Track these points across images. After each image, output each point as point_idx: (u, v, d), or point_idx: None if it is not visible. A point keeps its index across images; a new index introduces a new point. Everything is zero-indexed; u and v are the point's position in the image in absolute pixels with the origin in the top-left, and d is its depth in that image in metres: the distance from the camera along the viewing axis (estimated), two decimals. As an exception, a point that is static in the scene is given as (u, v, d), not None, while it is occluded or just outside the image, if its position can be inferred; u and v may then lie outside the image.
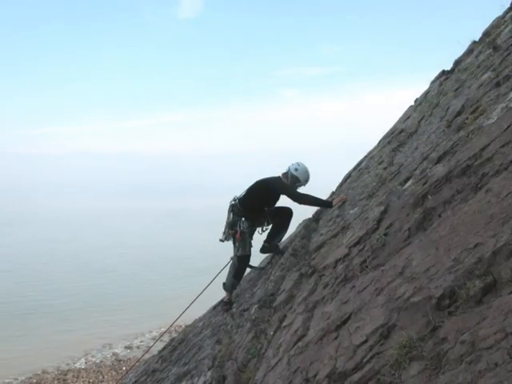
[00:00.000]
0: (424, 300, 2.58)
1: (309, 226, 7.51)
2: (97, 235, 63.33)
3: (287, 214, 7.55)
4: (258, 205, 7.35)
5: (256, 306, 5.87)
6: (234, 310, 7.18)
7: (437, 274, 2.67)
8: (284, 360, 3.64)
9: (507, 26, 7.50)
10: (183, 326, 13.21)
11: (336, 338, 3.13)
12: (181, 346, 8.24)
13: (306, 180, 7.43)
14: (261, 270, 7.88)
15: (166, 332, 13.59)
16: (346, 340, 2.96)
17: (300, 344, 3.63)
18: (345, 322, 3.22)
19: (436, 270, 2.72)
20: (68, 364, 21.37)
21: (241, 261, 7.38)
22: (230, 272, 7.52)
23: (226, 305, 7.53)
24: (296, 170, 7.37)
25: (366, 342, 2.76)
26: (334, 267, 4.44)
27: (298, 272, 5.50)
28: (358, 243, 4.39)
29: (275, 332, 4.54)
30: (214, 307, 8.95)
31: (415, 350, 2.33)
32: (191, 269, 39.88)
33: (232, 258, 7.56)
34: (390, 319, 2.73)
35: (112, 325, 26.00)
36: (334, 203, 6.91)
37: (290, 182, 7.30)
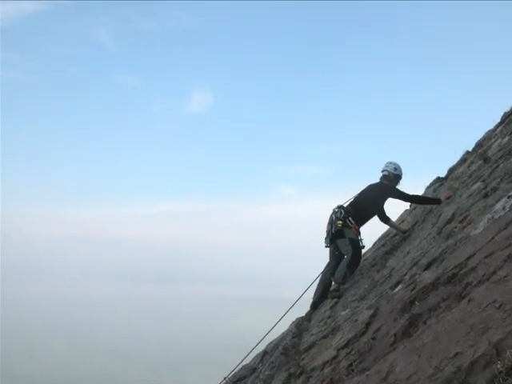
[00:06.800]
0: (405, 407, 2.63)
1: (301, 324, 7.51)
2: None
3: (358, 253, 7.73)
4: (371, 207, 7.82)
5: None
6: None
7: (418, 382, 2.73)
8: None
9: (497, 140, 7.89)
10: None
11: None
12: None
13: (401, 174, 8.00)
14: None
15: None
16: None
17: None
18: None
19: (417, 377, 2.78)
20: None
21: (356, 250, 7.54)
22: (341, 265, 7.53)
23: (335, 292, 7.36)
24: (395, 169, 7.90)
25: None
26: (322, 369, 4.46)
27: (287, 372, 5.48)
28: (346, 346, 4.44)
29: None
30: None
31: None
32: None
33: (328, 267, 7.86)
34: (371, 426, 2.76)
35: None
36: (442, 199, 7.31)
37: (395, 183, 7.85)
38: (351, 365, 3.89)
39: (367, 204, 7.76)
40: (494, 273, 3.30)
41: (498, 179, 5.64)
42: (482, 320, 2.79)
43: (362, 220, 7.80)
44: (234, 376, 7.85)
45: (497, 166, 6.34)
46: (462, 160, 9.51)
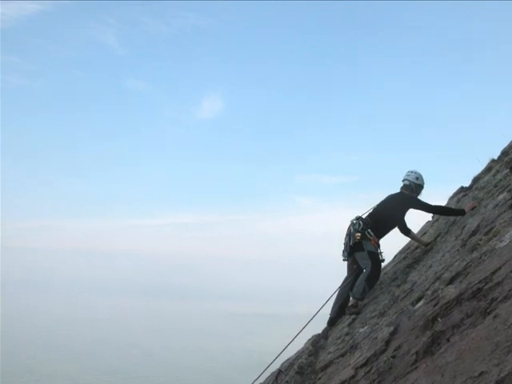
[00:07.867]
0: (427, 430, 2.62)
1: (317, 342, 7.50)
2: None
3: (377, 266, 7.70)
4: (391, 219, 7.80)
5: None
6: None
7: (441, 402, 2.73)
8: None
9: (524, 148, 7.86)
10: None
11: None
12: None
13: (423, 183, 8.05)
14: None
15: None
16: None
17: None
18: None
19: (440, 397, 2.78)
20: None
21: (375, 264, 7.51)
22: (359, 279, 7.54)
23: (353, 307, 7.38)
24: (417, 178, 7.94)
25: None
26: (339, 389, 4.45)
27: (303, 393, 5.48)
28: (365, 365, 4.43)
29: None
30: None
31: None
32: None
33: (345, 281, 7.87)
34: None
35: None
36: (466, 210, 7.32)
37: (417, 193, 7.90)
38: (370, 385, 3.89)
39: (387, 215, 7.74)
40: (520, 287, 3.30)
41: (525, 189, 5.63)
42: (509, 337, 2.78)
43: (382, 232, 7.78)
44: (246, 396, 7.86)
45: (524, 175, 6.33)
46: (487, 169, 9.47)
